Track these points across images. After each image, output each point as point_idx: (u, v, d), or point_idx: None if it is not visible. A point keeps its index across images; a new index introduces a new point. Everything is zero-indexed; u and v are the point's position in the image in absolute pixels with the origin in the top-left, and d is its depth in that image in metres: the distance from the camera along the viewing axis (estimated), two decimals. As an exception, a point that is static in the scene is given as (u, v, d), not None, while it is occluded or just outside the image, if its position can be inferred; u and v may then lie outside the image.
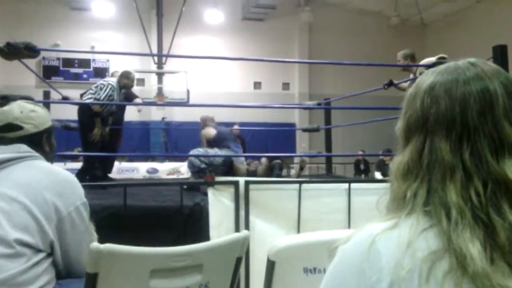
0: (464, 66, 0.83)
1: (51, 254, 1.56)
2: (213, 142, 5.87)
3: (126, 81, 5.96)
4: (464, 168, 0.75)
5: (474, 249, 0.69)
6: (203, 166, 5.23)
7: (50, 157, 1.82)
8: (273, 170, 6.01)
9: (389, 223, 0.77)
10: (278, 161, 6.20)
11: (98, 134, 5.68)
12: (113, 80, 5.93)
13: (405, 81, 5.56)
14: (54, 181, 1.59)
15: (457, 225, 0.72)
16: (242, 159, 5.59)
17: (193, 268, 1.46)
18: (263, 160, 8.67)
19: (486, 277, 0.67)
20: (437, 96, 0.80)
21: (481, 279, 0.68)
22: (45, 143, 1.80)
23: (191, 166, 5.45)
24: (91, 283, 1.39)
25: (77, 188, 1.67)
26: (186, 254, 1.43)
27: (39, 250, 1.50)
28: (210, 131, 6.06)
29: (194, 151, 5.59)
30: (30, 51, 3.50)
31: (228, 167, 5.28)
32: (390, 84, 5.34)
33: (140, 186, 4.73)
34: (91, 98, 5.78)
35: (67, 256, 1.58)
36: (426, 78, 0.85)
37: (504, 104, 0.77)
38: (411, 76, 5.81)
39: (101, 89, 5.81)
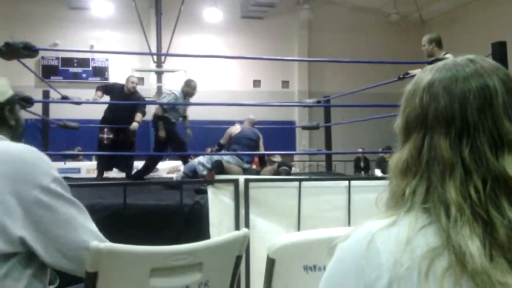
0: (463, 62, 0.83)
1: (26, 254, 1.29)
2: (228, 142, 5.96)
3: (187, 88, 6.46)
4: (464, 165, 0.75)
5: (473, 246, 0.69)
6: (204, 172, 5.22)
7: (19, 134, 1.58)
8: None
9: (388, 221, 0.77)
10: (286, 168, 6.17)
11: (163, 136, 6.30)
12: (177, 89, 6.51)
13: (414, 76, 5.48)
14: (9, 165, 1.29)
15: (456, 222, 0.71)
16: (233, 159, 5.59)
17: (193, 266, 1.46)
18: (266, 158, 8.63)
19: (486, 274, 0.67)
20: (436, 93, 0.80)
21: (480, 276, 0.67)
22: (9, 117, 1.52)
23: (190, 171, 5.42)
24: (91, 282, 1.39)
25: (39, 165, 1.33)
26: (186, 253, 1.42)
27: (5, 257, 1.24)
28: (235, 128, 6.10)
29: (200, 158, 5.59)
30: (29, 50, 3.50)
31: (220, 168, 5.25)
32: (405, 76, 5.24)
33: (140, 185, 4.73)
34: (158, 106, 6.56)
35: (52, 245, 1.30)
36: (425, 75, 0.85)
37: (503, 100, 0.77)
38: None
39: (164, 97, 6.51)
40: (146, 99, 13.72)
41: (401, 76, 5.29)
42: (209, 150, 9.24)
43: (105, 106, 6.90)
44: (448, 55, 5.12)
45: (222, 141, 6.22)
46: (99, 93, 6.67)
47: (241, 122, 6.58)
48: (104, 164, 6.88)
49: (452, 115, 0.78)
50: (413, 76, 5.37)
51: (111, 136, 6.62)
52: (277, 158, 7.26)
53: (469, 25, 14.92)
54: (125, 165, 6.89)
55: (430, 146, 0.79)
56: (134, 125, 6.54)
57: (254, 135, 6.12)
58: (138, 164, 10.45)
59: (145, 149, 14.44)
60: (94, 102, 6.13)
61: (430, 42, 5.57)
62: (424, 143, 0.80)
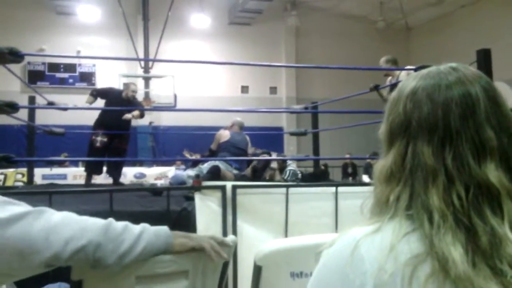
0: (446, 70, 0.84)
1: None
2: (218, 148, 5.94)
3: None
4: (446, 172, 0.76)
5: (456, 252, 0.70)
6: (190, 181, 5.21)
7: None
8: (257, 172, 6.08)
9: (372, 227, 0.78)
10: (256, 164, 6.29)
11: None
12: None
13: (386, 87, 5.64)
14: None
15: (439, 228, 0.72)
16: (223, 165, 5.63)
17: (179, 274, 1.45)
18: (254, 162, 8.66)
19: (468, 281, 0.68)
20: (419, 101, 0.81)
21: (463, 282, 0.68)
22: None
23: (178, 183, 5.41)
24: (76, 290, 1.38)
25: None
26: (172, 260, 1.41)
27: None
28: (224, 135, 6.06)
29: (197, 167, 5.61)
30: (15, 56, 3.46)
31: (216, 174, 5.25)
32: (376, 87, 5.41)
33: (126, 191, 4.70)
34: None
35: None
36: (408, 83, 0.86)
37: (485, 108, 0.78)
38: (390, 80, 5.89)
39: None
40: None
41: (372, 87, 5.45)
42: (185, 152, 9.15)
43: (92, 112, 6.85)
44: (403, 73, 5.58)
45: (213, 146, 6.22)
46: (91, 98, 6.58)
47: (226, 127, 6.55)
48: (93, 168, 6.77)
49: (435, 122, 0.78)
50: (380, 88, 5.55)
51: (105, 139, 6.51)
52: (274, 165, 7.34)
53: (454, 32, 15.10)
54: (115, 171, 6.81)
55: (413, 153, 0.79)
56: (127, 116, 6.42)
57: (243, 143, 6.10)
58: (127, 171, 10.41)
59: (132, 155, 14.41)
60: (80, 108, 6.11)
61: (386, 62, 5.99)
62: (407, 150, 0.80)
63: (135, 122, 14.83)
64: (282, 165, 7.44)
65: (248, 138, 6.35)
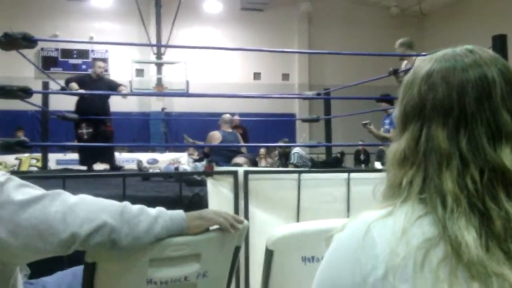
0: (462, 53, 0.82)
1: None
2: (210, 150, 5.84)
3: None
4: (461, 156, 0.75)
5: (469, 236, 0.69)
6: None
7: None
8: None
9: (385, 211, 0.77)
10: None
11: None
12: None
13: (404, 71, 5.53)
14: None
15: (452, 212, 0.71)
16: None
17: (191, 257, 1.46)
18: (262, 150, 8.63)
19: (481, 265, 0.67)
20: (434, 83, 0.80)
21: (476, 266, 0.67)
22: None
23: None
24: (90, 272, 1.40)
25: None
26: (184, 244, 1.43)
27: None
28: (215, 137, 5.94)
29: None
30: (28, 41, 3.47)
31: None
32: (395, 72, 5.32)
33: (138, 176, 4.73)
34: None
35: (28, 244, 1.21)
36: (424, 65, 0.84)
37: (501, 91, 0.77)
38: (405, 65, 5.78)
39: None
40: (145, 91, 13.73)
41: (392, 71, 5.35)
42: (186, 136, 9.08)
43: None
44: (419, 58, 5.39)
45: (206, 150, 6.15)
46: (76, 85, 6.58)
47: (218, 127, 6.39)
48: (88, 160, 6.71)
49: (450, 105, 0.77)
50: (404, 71, 5.44)
51: (90, 130, 6.43)
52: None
53: (469, 18, 14.86)
54: (109, 157, 6.77)
55: (427, 137, 0.78)
56: (122, 87, 6.68)
57: (236, 143, 5.98)
58: (140, 156, 10.45)
59: (145, 140, 14.49)
60: (94, 93, 6.10)
61: (400, 46, 5.81)
62: (421, 134, 0.79)
63: (147, 108, 14.94)
64: (285, 150, 7.34)
65: (239, 137, 6.28)
